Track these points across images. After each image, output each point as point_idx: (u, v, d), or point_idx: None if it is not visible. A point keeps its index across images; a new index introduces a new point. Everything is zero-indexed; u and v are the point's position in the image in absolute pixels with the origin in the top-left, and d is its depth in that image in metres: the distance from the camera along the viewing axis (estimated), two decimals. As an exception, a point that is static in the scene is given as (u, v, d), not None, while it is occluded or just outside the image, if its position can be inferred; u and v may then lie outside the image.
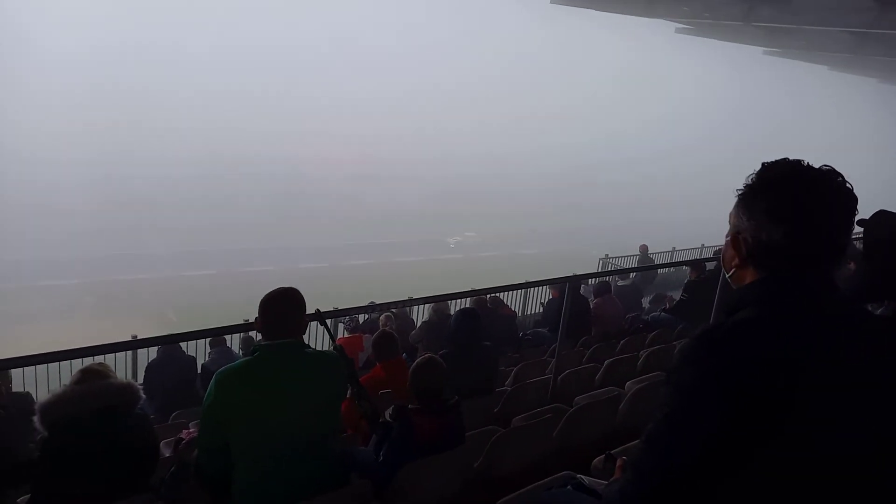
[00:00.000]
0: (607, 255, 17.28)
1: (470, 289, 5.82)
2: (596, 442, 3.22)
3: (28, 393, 5.54)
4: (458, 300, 7.26)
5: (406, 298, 5.72)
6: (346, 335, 7.27)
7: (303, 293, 2.62)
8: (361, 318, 7.78)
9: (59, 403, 2.47)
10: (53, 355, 3.20)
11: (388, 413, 2.88)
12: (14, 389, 5.32)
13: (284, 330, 2.49)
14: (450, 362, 3.34)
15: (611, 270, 14.91)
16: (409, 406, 3.06)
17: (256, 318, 2.54)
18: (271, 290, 2.57)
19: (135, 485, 2.59)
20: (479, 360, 4.49)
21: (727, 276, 1.40)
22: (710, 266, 7.79)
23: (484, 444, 3.08)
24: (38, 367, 5.67)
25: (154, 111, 63.45)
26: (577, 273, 5.33)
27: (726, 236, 1.37)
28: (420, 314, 9.80)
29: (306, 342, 2.63)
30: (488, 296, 7.77)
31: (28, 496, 2.63)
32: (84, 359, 3.20)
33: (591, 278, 9.43)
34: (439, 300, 6.98)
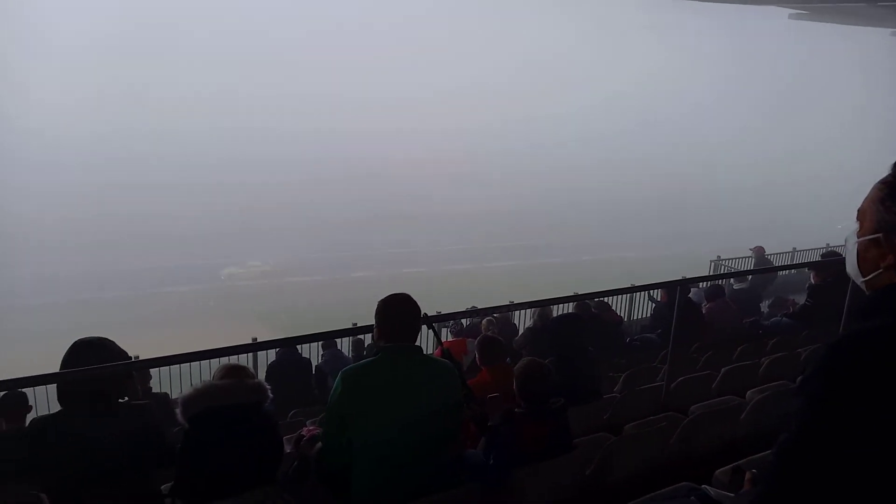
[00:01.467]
0: (719, 256, 16.36)
1: (573, 293, 5.76)
2: (715, 453, 3.07)
3: (166, 393, 6.04)
4: (562, 305, 7.17)
5: (508, 303, 5.74)
6: (449, 338, 7.38)
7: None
8: (465, 322, 7.88)
9: (199, 398, 2.70)
10: (186, 356, 3.51)
11: (494, 417, 2.90)
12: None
13: (402, 334, 2.59)
14: (553, 367, 3.32)
15: (724, 273, 14.09)
16: (516, 410, 3.07)
17: (374, 324, 2.65)
18: (387, 295, 2.68)
19: (262, 477, 2.77)
20: (582, 366, 4.41)
21: (865, 279, 1.27)
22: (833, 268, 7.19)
23: (595, 450, 3.03)
24: (171, 367, 6.20)
25: (262, 113, 66.90)
26: (687, 276, 5.11)
27: (858, 235, 1.26)
28: (522, 319, 9.77)
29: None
30: (594, 300, 7.63)
31: (171, 483, 2.89)
32: (212, 360, 3.45)
33: (703, 281, 8.97)
34: (542, 305, 6.93)
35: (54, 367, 2.75)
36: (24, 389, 4.84)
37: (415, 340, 2.68)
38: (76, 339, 2.73)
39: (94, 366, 2.67)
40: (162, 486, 3.04)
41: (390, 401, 2.47)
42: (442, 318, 5.66)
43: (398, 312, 2.64)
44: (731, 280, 10.55)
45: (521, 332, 7.89)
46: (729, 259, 16.19)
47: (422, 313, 2.84)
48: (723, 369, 4.86)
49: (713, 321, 7.61)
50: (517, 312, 9.59)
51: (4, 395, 5.04)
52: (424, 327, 3.08)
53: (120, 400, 2.86)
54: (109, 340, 2.79)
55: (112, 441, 2.62)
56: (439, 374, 2.63)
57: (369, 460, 2.48)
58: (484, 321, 7.40)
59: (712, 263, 16.14)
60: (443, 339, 7.09)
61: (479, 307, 5.67)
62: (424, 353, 2.69)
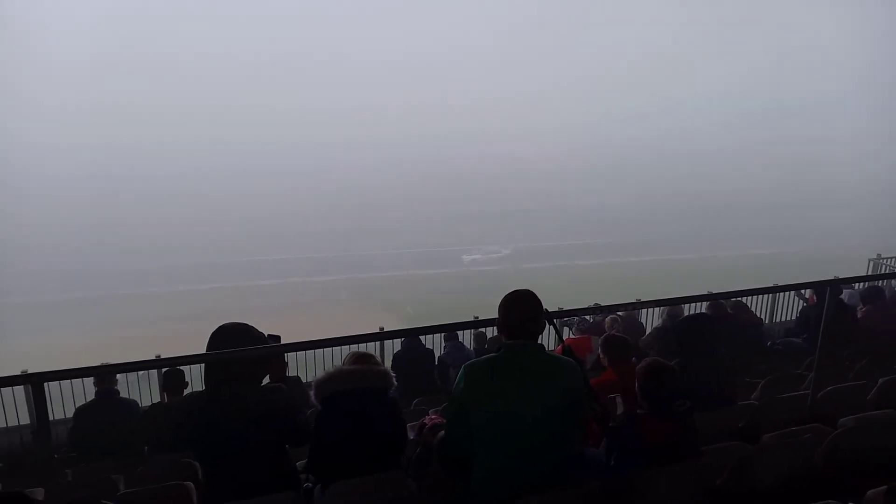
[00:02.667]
0: (879, 255, 14.64)
1: (707, 292, 5.42)
2: (868, 471, 2.78)
3: (298, 377, 6.47)
4: (693, 304, 6.79)
5: (634, 301, 5.53)
6: (572, 336, 7.25)
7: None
8: (590, 319, 7.69)
9: (331, 381, 2.89)
10: (318, 343, 3.74)
11: (616, 417, 2.83)
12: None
13: (525, 331, 2.59)
14: (680, 369, 3.17)
15: (885, 274, 12.60)
16: (639, 411, 2.97)
17: (497, 319, 2.67)
18: (509, 291, 2.68)
19: (387, 461, 2.91)
20: (713, 369, 4.15)
21: None
22: None
23: (726, 459, 2.85)
24: (306, 352, 6.63)
25: (375, 122, 69.13)
26: (840, 276, 4.63)
27: None
28: (650, 319, 9.37)
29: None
30: (731, 300, 7.15)
31: (305, 461, 3.11)
32: (342, 347, 3.64)
33: (858, 282, 8.10)
34: (671, 304, 6.60)
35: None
36: (182, 367, 5.43)
37: (537, 338, 2.67)
38: (221, 324, 2.98)
39: (239, 348, 2.91)
40: (297, 463, 3.27)
41: (511, 395, 2.49)
42: (564, 315, 5.58)
43: (520, 309, 2.64)
44: (894, 281, 9.42)
45: (648, 332, 7.58)
46: (891, 258, 14.44)
47: (544, 310, 2.83)
48: (880, 380, 4.36)
49: (870, 326, 6.84)
50: (644, 311, 9.22)
51: (167, 371, 5.67)
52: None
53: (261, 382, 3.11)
54: (250, 326, 3.02)
55: (253, 418, 2.84)
56: (560, 371, 2.61)
57: (489, 451, 2.52)
58: (608, 319, 7.19)
59: (871, 262, 14.48)
60: (566, 337, 7.03)
61: (603, 304, 5.53)
62: (546, 350, 2.68)
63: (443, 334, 7.78)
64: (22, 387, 2.43)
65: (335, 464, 2.85)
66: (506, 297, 2.69)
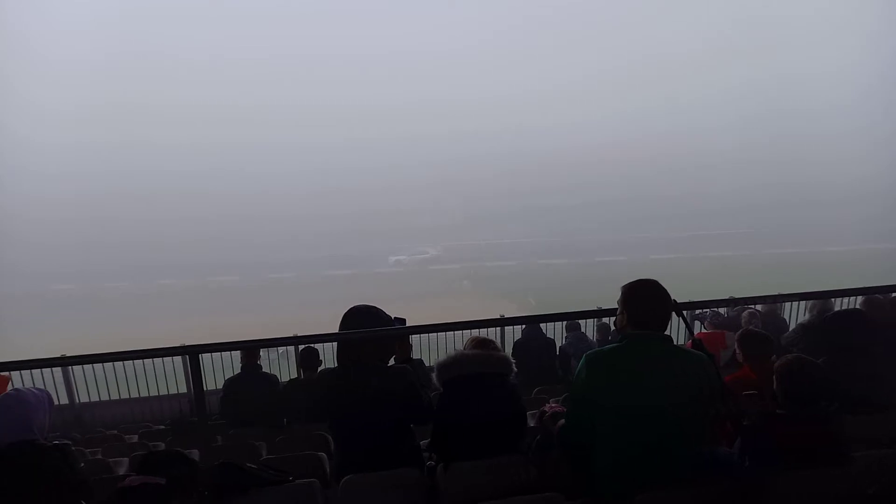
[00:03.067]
0: None
1: (861, 286, 4.91)
2: None
3: (421, 360, 6.68)
4: (845, 299, 6.17)
5: (775, 294, 5.13)
6: (705, 330, 6.87)
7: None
8: (724, 312, 7.24)
9: (453, 364, 2.97)
10: (441, 326, 3.85)
11: (752, 415, 2.66)
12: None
13: (649, 321, 2.51)
14: (828, 369, 2.90)
15: None
16: (777, 411, 2.77)
17: (619, 309, 2.60)
18: (633, 280, 2.60)
19: (507, 445, 2.94)
20: (865, 370, 3.74)
21: None
22: None
23: (881, 468, 2.58)
24: (429, 336, 6.84)
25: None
26: None
27: None
28: (793, 315, 8.63)
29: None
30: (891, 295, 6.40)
31: (428, 440, 3.22)
32: (464, 332, 3.72)
33: None
34: (819, 298, 6.05)
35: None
36: (316, 345, 5.80)
37: (664, 329, 2.56)
38: (352, 306, 3.17)
39: (367, 329, 3.07)
40: (421, 442, 3.40)
41: (634, 387, 2.42)
42: (695, 307, 5.30)
43: (645, 298, 2.55)
44: None
45: (791, 329, 6.99)
46: None
47: (671, 300, 2.71)
48: None
49: None
50: (787, 306, 8.51)
51: (303, 349, 6.09)
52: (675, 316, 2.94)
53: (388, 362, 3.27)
54: (379, 309, 3.18)
55: (379, 396, 3.00)
56: (689, 364, 2.49)
57: (611, 443, 2.47)
58: (745, 314, 6.72)
59: None
60: (698, 331, 6.68)
61: (738, 297, 5.19)
62: (675, 342, 2.57)
63: (564, 324, 7.68)
64: (180, 358, 2.71)
65: (457, 444, 2.93)
66: (629, 285, 2.61)
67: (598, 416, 2.48)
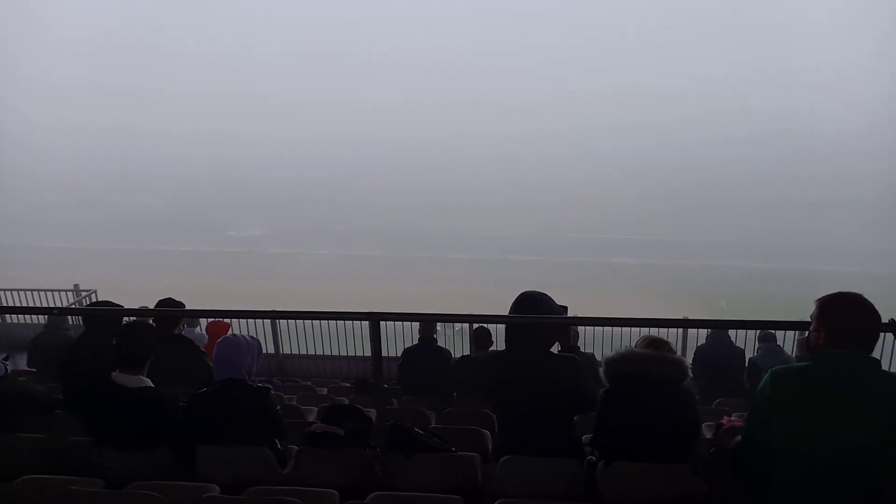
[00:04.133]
0: None
1: None
2: None
3: (592, 354, 6.52)
4: None
5: None
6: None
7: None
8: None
9: (621, 361, 2.87)
10: (612, 321, 3.72)
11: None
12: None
13: (852, 340, 2.20)
14: None
15: None
16: None
17: (814, 324, 2.31)
18: (834, 292, 2.29)
19: (675, 452, 2.78)
20: None
21: None
22: None
23: None
24: (603, 328, 6.65)
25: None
26: None
27: None
28: None
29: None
30: None
31: (591, 435, 3.16)
32: (641, 328, 3.56)
33: None
34: None
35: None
36: (489, 326, 5.95)
37: (870, 350, 2.23)
38: (523, 291, 3.19)
39: (533, 315, 3.09)
40: (583, 437, 3.35)
41: (825, 411, 2.14)
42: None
43: (845, 313, 2.23)
44: None
45: None
46: None
47: (888, 319, 2.34)
48: None
49: None
50: None
51: (476, 328, 6.30)
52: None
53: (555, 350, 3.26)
54: (548, 296, 3.17)
55: (544, 381, 3.00)
56: (891, 394, 2.14)
57: (793, 468, 2.22)
58: None
59: None
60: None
61: None
62: (883, 367, 2.22)
63: (758, 334, 6.98)
64: (367, 322, 2.95)
65: (620, 444, 2.84)
66: (830, 297, 2.29)
67: (778, 438, 2.23)
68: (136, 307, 4.69)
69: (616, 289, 27.50)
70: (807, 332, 2.38)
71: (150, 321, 4.35)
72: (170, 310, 4.76)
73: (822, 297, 2.31)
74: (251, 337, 3.44)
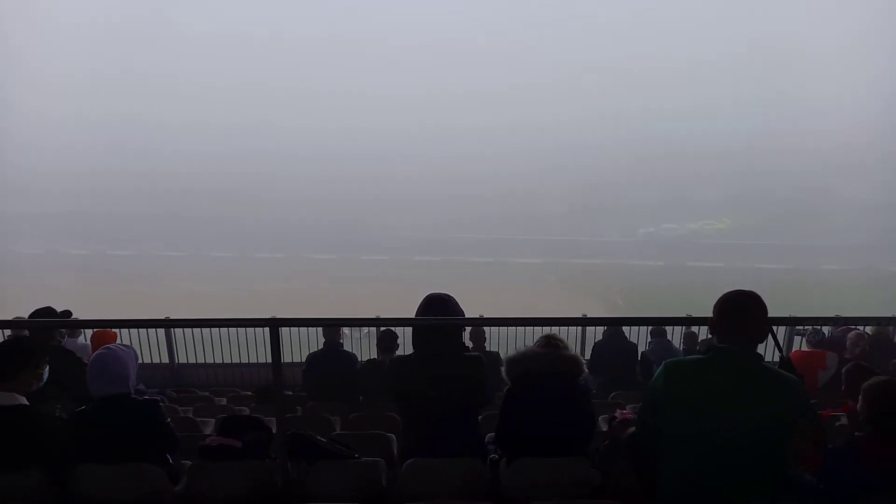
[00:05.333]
0: None
1: None
2: None
3: (497, 353, 6.67)
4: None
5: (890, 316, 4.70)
6: (805, 349, 6.40)
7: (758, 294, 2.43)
8: (827, 331, 6.72)
9: (522, 360, 2.95)
10: (515, 321, 3.82)
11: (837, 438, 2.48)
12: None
13: (742, 336, 2.35)
14: None
15: None
16: (862, 433, 2.58)
17: (711, 319, 2.46)
18: (730, 290, 2.44)
19: (572, 447, 2.88)
20: None
21: None
22: None
23: None
24: (502, 328, 6.79)
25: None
26: None
27: None
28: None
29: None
30: None
31: (493, 434, 3.22)
32: (543, 328, 3.67)
33: None
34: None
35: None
36: (395, 329, 5.91)
37: (755, 345, 2.40)
38: (429, 293, 3.20)
39: (439, 317, 3.10)
40: (486, 435, 3.40)
41: (713, 402, 2.29)
42: (793, 322, 4.94)
43: (737, 311, 2.38)
44: None
45: (903, 354, 6.38)
46: None
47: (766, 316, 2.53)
48: None
49: None
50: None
51: (382, 332, 6.24)
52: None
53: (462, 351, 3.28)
54: (452, 298, 3.20)
55: (451, 383, 3.02)
56: (777, 384, 2.32)
57: (682, 457, 2.35)
58: (852, 334, 6.19)
59: None
60: (797, 348, 6.25)
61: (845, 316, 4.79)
62: (765, 360, 2.39)
63: (649, 329, 7.40)
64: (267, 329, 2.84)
65: (521, 440, 2.91)
66: (725, 295, 2.43)
67: (670, 427, 2.36)
68: (10, 318, 4.30)
69: (518, 287, 28.22)
70: (692, 327, 2.55)
71: (25, 332, 3.99)
72: (46, 320, 4.38)
73: (721, 296, 2.46)
74: (125, 346, 3.23)
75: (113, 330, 5.36)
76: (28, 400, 2.96)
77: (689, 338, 7.25)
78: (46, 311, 4.55)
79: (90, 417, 2.98)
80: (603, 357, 6.71)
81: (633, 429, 2.76)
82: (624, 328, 7.04)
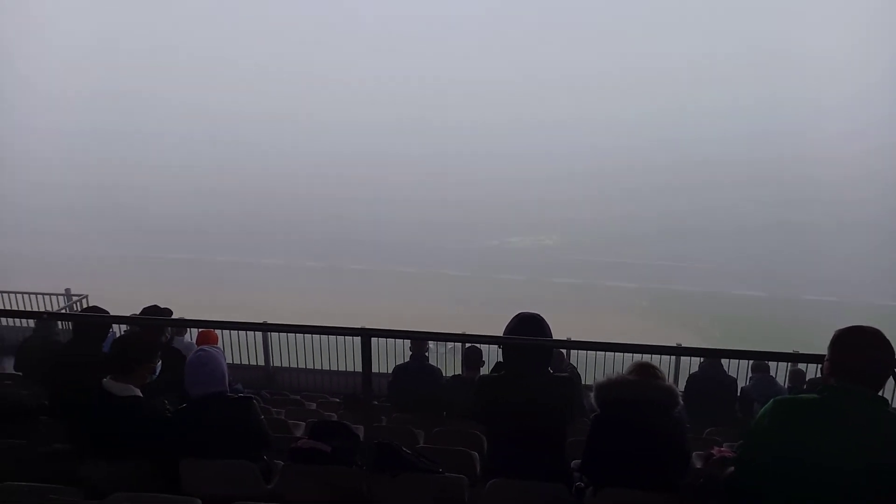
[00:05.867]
0: None
1: None
2: None
3: (579, 375, 6.47)
4: None
5: None
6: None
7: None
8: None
9: (612, 387, 2.85)
10: (606, 346, 3.69)
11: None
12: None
13: (862, 376, 2.16)
14: None
15: None
16: None
17: (826, 356, 2.28)
18: (849, 325, 2.25)
19: (664, 480, 2.74)
20: None
21: None
22: None
23: None
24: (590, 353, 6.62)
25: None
26: None
27: None
28: None
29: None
30: None
31: (579, 461, 3.12)
32: (633, 354, 3.53)
33: None
34: None
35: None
36: (481, 346, 5.91)
37: (879, 388, 2.20)
38: (519, 312, 3.18)
39: (526, 337, 3.06)
40: (572, 462, 3.31)
41: (826, 447, 2.11)
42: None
43: (861, 348, 2.18)
44: None
45: None
46: None
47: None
48: None
49: None
50: None
51: (468, 348, 6.26)
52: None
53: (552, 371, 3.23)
54: (543, 319, 3.15)
55: (539, 405, 2.97)
56: None
57: (784, 500, 2.18)
58: None
59: None
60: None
61: None
62: (891, 407, 2.18)
63: (751, 364, 6.97)
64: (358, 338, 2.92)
65: (609, 470, 2.81)
66: (843, 330, 2.25)
67: (776, 470, 2.20)
68: (127, 315, 4.66)
69: (607, 311, 27.45)
70: (799, 364, 2.37)
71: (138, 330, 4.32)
72: (158, 318, 4.72)
73: (838, 330, 2.27)
74: (215, 348, 3.43)
75: (215, 331, 5.70)
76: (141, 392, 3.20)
77: (796, 375, 6.76)
78: (153, 309, 4.91)
79: (190, 414, 3.17)
80: (698, 390, 6.39)
81: (732, 469, 2.59)
82: (722, 361, 6.68)
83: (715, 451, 3.17)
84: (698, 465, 3.52)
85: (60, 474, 3.04)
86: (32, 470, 3.02)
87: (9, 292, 10.77)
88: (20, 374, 6.39)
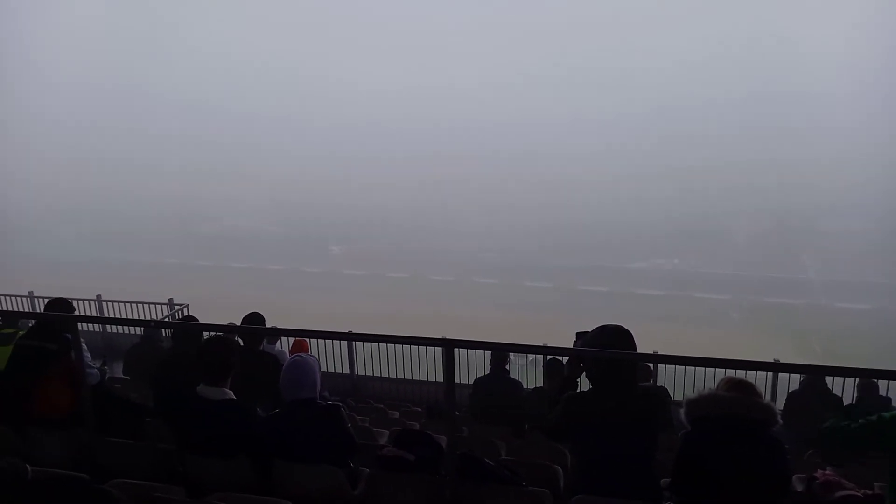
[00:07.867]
0: None
1: None
2: None
3: (666, 389, 6.21)
4: None
5: None
6: None
7: None
8: None
9: (704, 403, 2.72)
10: (696, 360, 3.52)
11: None
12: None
13: None
14: None
15: None
16: None
17: None
18: None
19: (764, 501, 2.59)
20: None
21: None
22: None
23: None
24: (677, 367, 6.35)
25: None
26: None
27: None
28: None
29: None
30: None
31: (670, 479, 3.00)
32: (726, 370, 3.37)
33: None
34: None
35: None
36: (560, 358, 5.81)
37: None
38: (603, 324, 3.10)
39: (610, 350, 2.98)
40: (662, 481, 3.18)
41: None
42: None
43: None
44: None
45: None
46: None
47: None
48: None
49: None
50: None
51: (549, 360, 6.18)
52: None
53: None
54: (629, 333, 3.05)
55: (628, 420, 2.88)
56: None
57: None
58: None
59: None
60: None
61: None
62: None
63: (857, 382, 6.45)
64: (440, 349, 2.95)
65: (701, 490, 2.68)
66: None
67: None
68: (224, 323, 4.93)
69: (693, 323, 26.25)
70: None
71: (235, 337, 4.56)
72: (250, 327, 4.97)
73: None
74: (311, 356, 3.54)
75: (306, 340, 5.93)
76: (236, 395, 3.38)
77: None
78: (254, 317, 5.17)
79: (282, 418, 3.31)
80: (799, 409, 6.00)
81: (845, 493, 2.43)
82: (826, 378, 6.25)
83: (819, 474, 2.98)
84: (799, 488, 3.32)
85: (165, 473, 3.26)
86: (141, 468, 3.26)
87: (119, 301, 11.65)
88: (128, 377, 6.93)
